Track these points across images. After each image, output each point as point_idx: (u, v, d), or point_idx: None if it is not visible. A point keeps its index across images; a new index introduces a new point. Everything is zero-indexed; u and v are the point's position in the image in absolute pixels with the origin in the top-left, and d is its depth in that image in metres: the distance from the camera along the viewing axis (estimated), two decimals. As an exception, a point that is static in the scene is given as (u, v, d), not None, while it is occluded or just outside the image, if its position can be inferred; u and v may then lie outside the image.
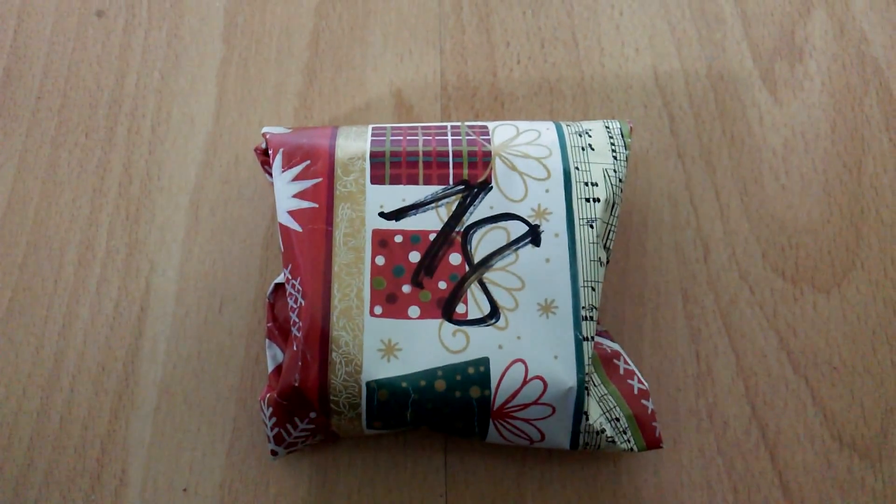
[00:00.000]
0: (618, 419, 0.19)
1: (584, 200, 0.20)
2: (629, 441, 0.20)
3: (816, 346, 0.23)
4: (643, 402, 0.20)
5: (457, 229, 0.20)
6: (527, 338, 0.19)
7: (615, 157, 0.21)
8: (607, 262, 0.20)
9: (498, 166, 0.20)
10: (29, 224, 0.24)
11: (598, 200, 0.20)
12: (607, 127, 0.22)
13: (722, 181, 0.25)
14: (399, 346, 0.19)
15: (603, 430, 0.19)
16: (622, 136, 0.21)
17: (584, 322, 0.19)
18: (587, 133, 0.21)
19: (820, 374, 0.23)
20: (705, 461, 0.22)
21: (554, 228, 0.20)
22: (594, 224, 0.20)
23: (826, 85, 0.27)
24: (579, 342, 0.19)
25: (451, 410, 0.19)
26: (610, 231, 0.20)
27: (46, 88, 0.25)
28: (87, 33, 0.26)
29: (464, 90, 0.26)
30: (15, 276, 0.23)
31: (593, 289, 0.19)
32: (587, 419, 0.19)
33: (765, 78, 0.27)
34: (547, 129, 0.21)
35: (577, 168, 0.20)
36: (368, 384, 0.18)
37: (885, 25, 0.28)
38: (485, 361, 0.19)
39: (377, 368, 0.19)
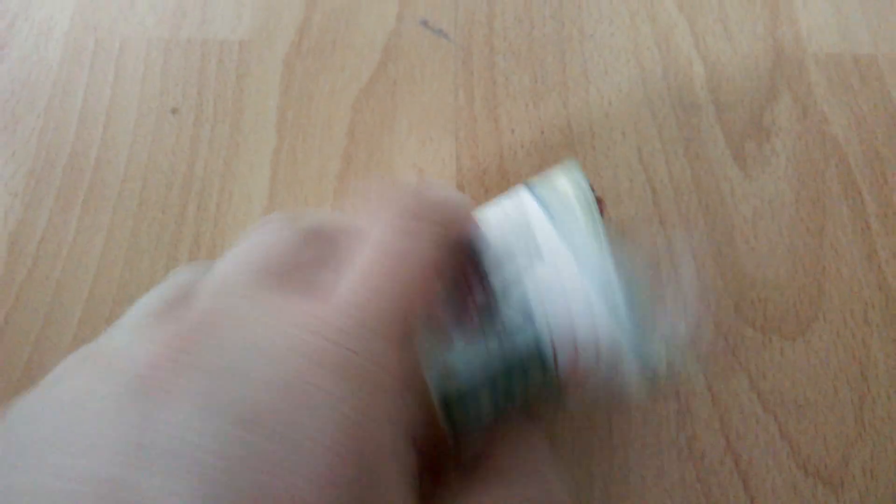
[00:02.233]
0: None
1: None
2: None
3: (784, 387, 0.27)
4: None
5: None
6: None
7: None
8: None
9: None
10: (115, 285, 0.28)
11: None
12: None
13: (698, 245, 0.29)
14: None
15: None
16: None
17: None
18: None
19: (787, 412, 0.26)
20: (686, 487, 0.25)
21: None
22: None
23: (791, 160, 0.31)
24: None
25: None
26: None
27: (130, 173, 0.31)
28: (164, 127, 0.31)
29: (476, 170, 0.30)
30: (103, 328, 0.28)
31: None
32: None
33: (736, 156, 0.31)
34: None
35: None
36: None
37: (844, 108, 0.32)
38: None
39: None
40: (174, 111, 0.32)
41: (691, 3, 0.35)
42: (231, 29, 0.33)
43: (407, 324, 0.16)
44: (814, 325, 0.28)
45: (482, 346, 0.22)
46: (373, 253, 0.17)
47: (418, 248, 0.17)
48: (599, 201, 0.25)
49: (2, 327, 0.27)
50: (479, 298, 0.23)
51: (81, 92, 0.32)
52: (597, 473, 0.25)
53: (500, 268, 0.23)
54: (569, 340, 0.22)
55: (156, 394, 0.13)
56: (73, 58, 0.33)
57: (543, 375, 0.21)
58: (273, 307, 0.15)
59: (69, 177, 0.30)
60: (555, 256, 0.23)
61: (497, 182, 0.30)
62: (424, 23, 0.34)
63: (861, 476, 0.25)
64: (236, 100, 0.32)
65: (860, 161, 0.31)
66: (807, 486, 0.25)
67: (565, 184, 0.23)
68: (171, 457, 0.12)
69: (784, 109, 0.32)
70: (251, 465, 0.12)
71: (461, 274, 0.22)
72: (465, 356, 0.22)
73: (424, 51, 0.33)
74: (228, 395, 0.13)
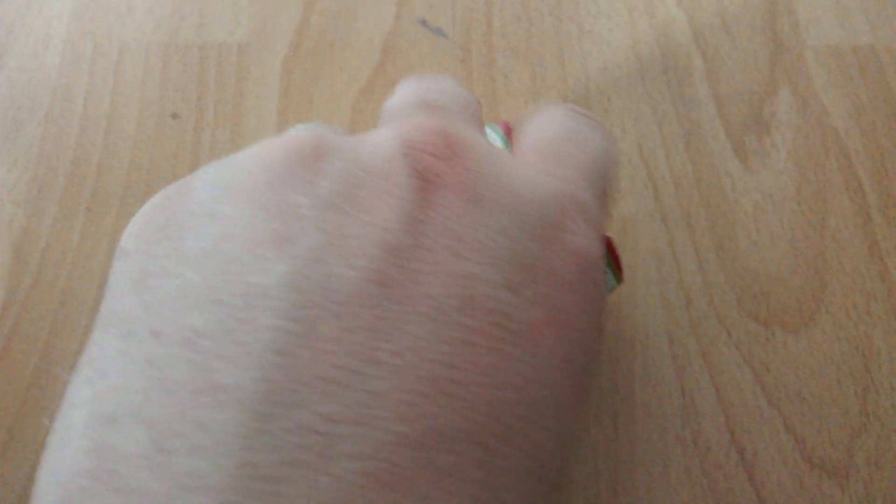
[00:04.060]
0: None
1: None
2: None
3: (787, 380, 0.27)
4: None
5: None
6: None
7: None
8: None
9: None
10: (120, 292, 0.29)
11: None
12: None
13: (700, 239, 0.29)
14: None
15: None
16: None
17: None
18: None
19: (791, 405, 0.26)
20: (691, 482, 0.25)
21: None
22: None
23: (791, 153, 0.31)
24: None
25: None
26: None
27: (132, 179, 0.31)
28: (165, 133, 0.31)
29: (477, 169, 0.30)
30: (109, 335, 0.28)
31: None
32: None
33: (736, 150, 0.31)
34: None
35: None
36: None
37: (844, 99, 0.32)
38: None
39: None
40: (174, 116, 0.32)
41: (689, -3, 0.35)
42: (229, 32, 0.33)
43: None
44: (816, 317, 0.28)
45: None
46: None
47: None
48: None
49: (9, 335, 0.28)
50: None
51: (81, 99, 0.32)
52: (603, 469, 0.25)
53: None
54: None
55: (428, 175, 0.13)
56: (72, 64, 0.33)
57: None
58: (490, 145, 0.15)
59: (72, 184, 0.30)
60: None
61: (498, 181, 0.30)
62: (423, 22, 0.34)
63: (865, 466, 0.25)
64: (236, 103, 0.32)
65: (861, 152, 0.31)
66: (812, 477, 0.25)
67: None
68: (454, 239, 0.12)
69: (784, 102, 0.32)
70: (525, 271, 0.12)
71: None
72: None
73: (423, 50, 0.33)
74: (493, 193, 0.13)
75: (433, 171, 0.13)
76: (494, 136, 0.25)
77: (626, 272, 0.28)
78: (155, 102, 0.32)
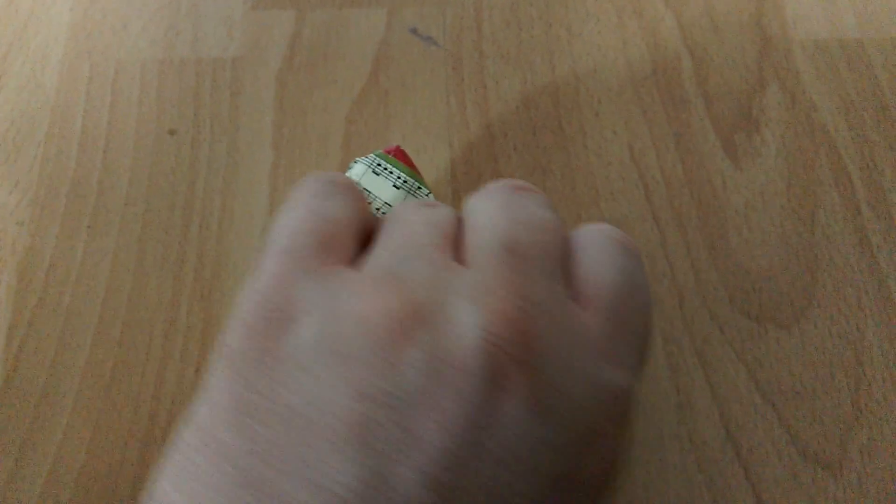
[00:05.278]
0: None
1: None
2: None
3: (780, 375, 0.27)
4: None
5: None
6: None
7: None
8: None
9: None
10: (124, 308, 0.29)
11: None
12: None
13: (692, 238, 0.30)
14: None
15: None
16: None
17: None
18: None
19: (785, 399, 0.27)
20: (688, 478, 0.26)
21: None
22: None
23: (781, 150, 0.31)
24: None
25: None
26: None
27: (132, 196, 0.31)
28: (163, 149, 0.32)
29: (471, 175, 0.31)
30: (115, 350, 0.28)
31: None
32: None
33: (726, 148, 0.31)
34: None
35: None
36: None
37: (832, 94, 0.32)
38: None
39: None
40: (172, 132, 0.32)
41: (676, -4, 0.35)
42: (223, 47, 0.34)
43: None
44: (808, 312, 0.28)
45: None
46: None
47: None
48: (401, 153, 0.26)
49: (16, 355, 0.28)
50: None
51: (80, 118, 0.32)
52: (602, 469, 0.26)
53: None
54: None
55: (501, 380, 0.14)
56: (69, 84, 0.33)
57: None
58: (568, 308, 0.16)
59: (73, 203, 0.31)
60: None
61: (492, 187, 0.30)
62: (413, 31, 0.34)
63: (859, 459, 0.26)
64: (232, 118, 0.32)
65: (849, 147, 0.31)
66: (806, 471, 0.26)
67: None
68: (510, 454, 0.13)
69: (772, 99, 0.32)
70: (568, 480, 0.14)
71: None
72: None
73: (414, 59, 0.33)
74: (557, 406, 0.14)
75: (506, 375, 0.14)
76: (385, 175, 0.25)
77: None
78: (152, 119, 0.32)
